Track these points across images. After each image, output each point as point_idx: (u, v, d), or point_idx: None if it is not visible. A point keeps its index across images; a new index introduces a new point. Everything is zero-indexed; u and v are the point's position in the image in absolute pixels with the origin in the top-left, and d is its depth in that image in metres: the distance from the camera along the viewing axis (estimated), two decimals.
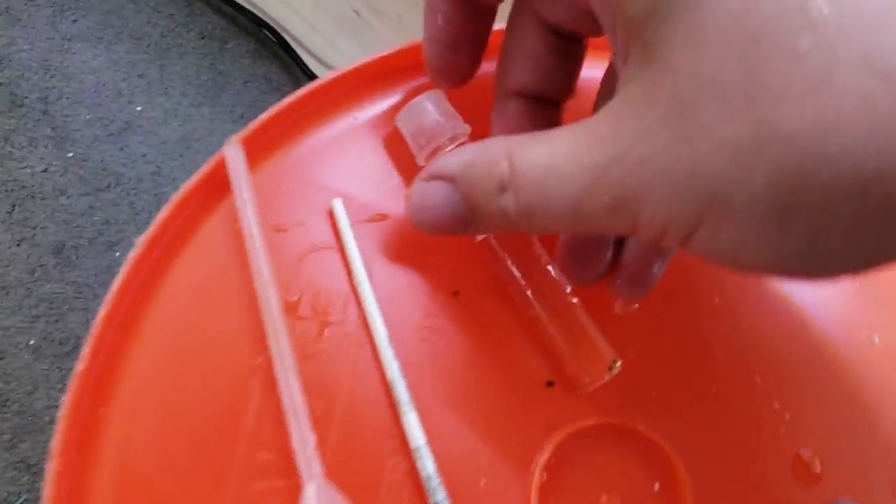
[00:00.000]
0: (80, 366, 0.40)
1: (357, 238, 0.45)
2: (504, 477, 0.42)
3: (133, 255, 0.43)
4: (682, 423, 0.43)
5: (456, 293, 0.45)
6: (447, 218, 0.34)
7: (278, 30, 1.41)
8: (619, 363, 0.41)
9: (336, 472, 0.41)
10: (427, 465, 0.41)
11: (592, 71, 0.42)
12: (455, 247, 0.45)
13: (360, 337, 0.43)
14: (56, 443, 0.39)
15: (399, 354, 0.43)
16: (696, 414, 0.44)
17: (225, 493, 0.41)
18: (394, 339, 0.43)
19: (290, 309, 0.43)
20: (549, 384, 0.44)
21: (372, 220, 0.46)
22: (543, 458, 0.42)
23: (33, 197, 1.29)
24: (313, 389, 0.42)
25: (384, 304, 0.44)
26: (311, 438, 0.40)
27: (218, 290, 0.44)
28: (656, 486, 0.42)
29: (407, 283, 0.45)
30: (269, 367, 0.42)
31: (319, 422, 0.42)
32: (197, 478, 0.41)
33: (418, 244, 0.45)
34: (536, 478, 0.41)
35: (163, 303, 0.43)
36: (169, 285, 0.44)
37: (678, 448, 0.42)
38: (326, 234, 0.45)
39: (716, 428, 0.43)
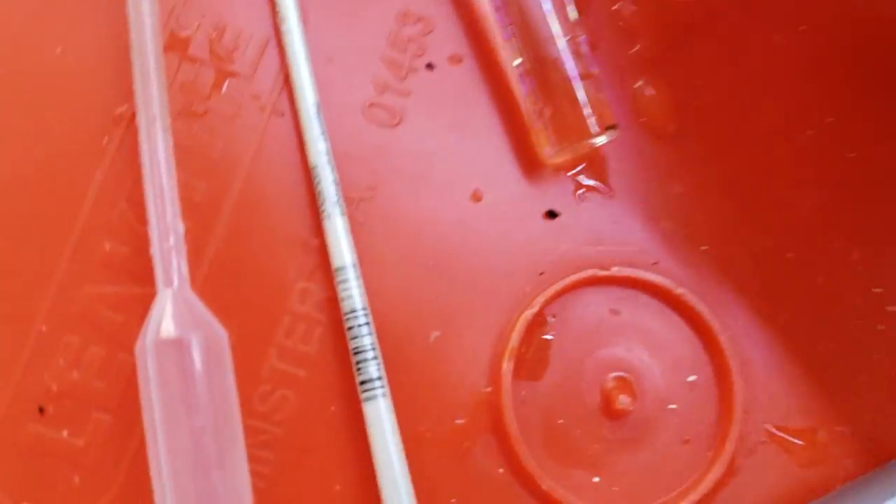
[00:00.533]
0: None
1: None
2: (468, 332, 0.29)
3: None
4: (735, 296, 0.30)
5: (430, 65, 0.31)
6: None
7: None
8: (614, 130, 0.29)
9: (213, 291, 0.27)
10: (353, 296, 0.27)
11: None
12: None
13: (276, 101, 0.29)
14: None
15: (331, 135, 0.29)
16: (757, 288, 0.31)
17: (46, 292, 0.27)
18: (326, 111, 0.29)
19: (177, 45, 0.29)
20: (551, 214, 0.30)
21: None
22: (529, 312, 0.29)
23: None
24: (194, 164, 0.28)
25: (319, 62, 0.30)
26: (177, 228, 0.26)
27: (71, 4, 0.29)
28: (691, 377, 0.30)
29: (356, 34, 0.30)
30: (133, 121, 0.27)
31: (196, 211, 0.28)
32: (19, 265, 0.27)
33: None
34: (514, 339, 0.28)
35: None
36: None
37: (728, 329, 0.29)
38: None
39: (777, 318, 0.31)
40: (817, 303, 0.31)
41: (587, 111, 0.28)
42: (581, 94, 0.28)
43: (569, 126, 0.29)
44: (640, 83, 0.32)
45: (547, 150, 0.29)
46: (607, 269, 0.30)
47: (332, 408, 0.27)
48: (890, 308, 0.31)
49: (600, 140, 0.29)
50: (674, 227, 0.31)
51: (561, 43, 0.29)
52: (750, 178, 0.31)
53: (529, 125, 0.30)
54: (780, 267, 0.31)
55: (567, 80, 0.28)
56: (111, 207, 0.27)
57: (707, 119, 0.31)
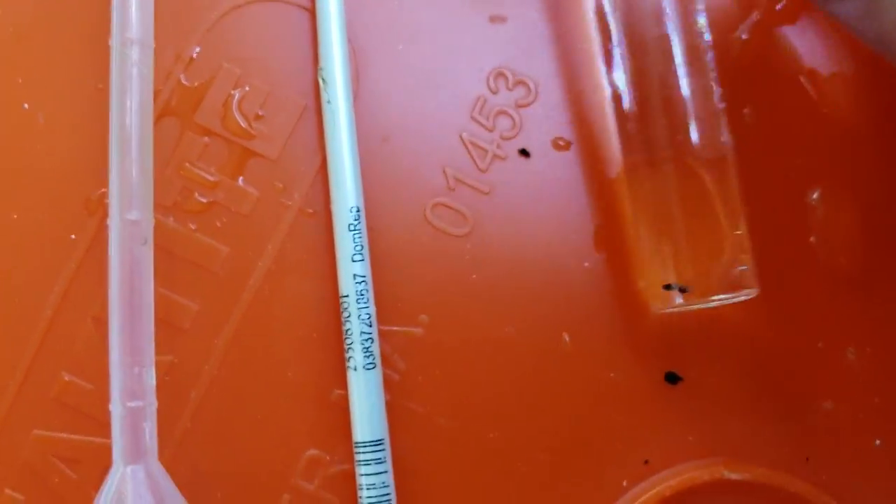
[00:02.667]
0: None
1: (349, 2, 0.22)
2: None
3: None
4: None
5: (524, 152, 0.22)
6: None
7: None
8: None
9: (193, 456, 0.21)
10: (380, 483, 0.20)
11: None
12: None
13: (307, 195, 0.21)
14: None
15: (377, 247, 0.21)
16: None
17: None
18: (372, 213, 0.21)
19: (181, 106, 0.21)
20: (672, 378, 0.22)
21: None
22: None
23: None
24: (186, 277, 0.21)
25: (371, 140, 0.22)
26: (148, 380, 0.19)
27: (42, 44, 0.21)
28: None
29: (427, 101, 0.22)
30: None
31: (182, 342, 0.21)
32: None
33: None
34: None
35: None
36: None
37: None
38: None
39: None
40: None
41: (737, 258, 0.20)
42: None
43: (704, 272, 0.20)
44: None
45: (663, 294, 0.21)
46: (740, 467, 0.21)
47: None
48: None
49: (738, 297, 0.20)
50: (838, 407, 0.22)
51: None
52: None
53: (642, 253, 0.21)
54: None
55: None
56: (74, 326, 0.21)
57: None
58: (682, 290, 0.20)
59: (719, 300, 0.21)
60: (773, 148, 0.23)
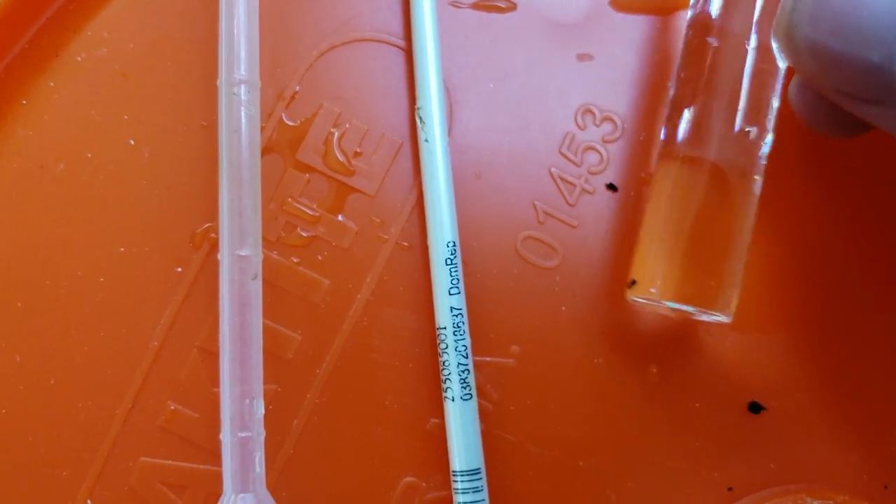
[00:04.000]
0: None
1: (443, 36, 0.22)
2: None
3: None
4: None
5: (611, 186, 0.23)
6: None
7: None
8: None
9: (297, 482, 0.21)
10: None
11: None
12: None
13: (404, 229, 0.22)
14: None
15: (472, 279, 0.22)
16: None
17: (94, 459, 0.21)
18: (468, 246, 0.22)
19: (284, 143, 0.22)
20: (755, 407, 0.22)
21: (479, 6, 0.23)
22: None
23: None
24: (288, 309, 0.22)
25: (464, 176, 0.22)
26: (257, 411, 0.20)
27: (147, 82, 0.22)
28: None
29: (516, 137, 0.23)
30: (216, 247, 0.21)
31: (286, 372, 0.22)
32: (68, 420, 0.21)
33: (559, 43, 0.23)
34: None
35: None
36: (61, 67, 0.22)
37: None
38: (391, 13, 0.23)
39: None
40: None
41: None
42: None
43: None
44: None
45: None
46: (821, 493, 0.22)
47: None
48: None
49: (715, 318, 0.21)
50: None
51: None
52: None
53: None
54: None
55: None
56: (180, 357, 0.21)
57: None
58: (632, 283, 0.21)
59: (688, 311, 0.21)
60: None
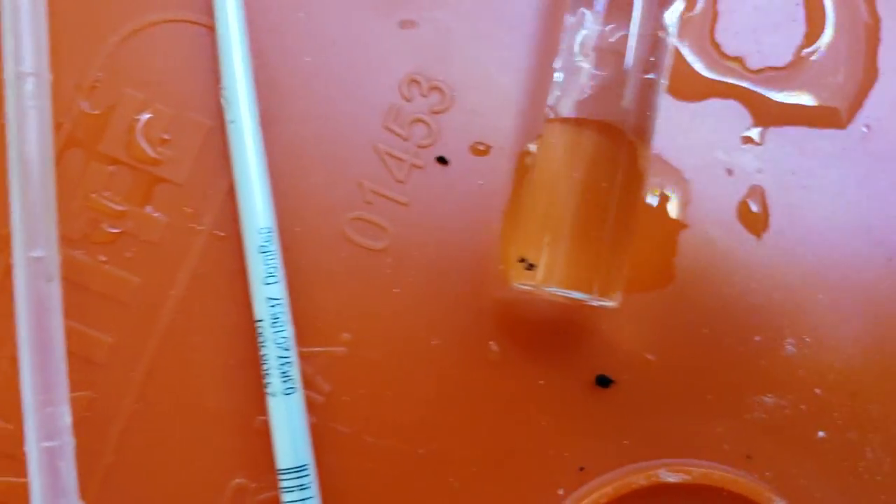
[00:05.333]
0: None
1: (251, 14, 0.21)
2: None
3: None
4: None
5: (441, 159, 0.22)
6: None
7: None
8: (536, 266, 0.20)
9: (119, 491, 0.20)
10: (307, 503, 0.20)
11: None
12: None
13: (217, 218, 0.21)
14: None
15: (293, 264, 0.21)
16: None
17: None
18: (287, 229, 0.21)
19: (85, 136, 0.21)
20: (603, 381, 0.21)
21: None
22: None
23: None
24: (97, 311, 0.21)
25: (280, 154, 0.21)
26: (62, 417, 0.19)
27: None
28: None
29: (339, 111, 0.22)
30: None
31: (98, 377, 0.21)
32: None
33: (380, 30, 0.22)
34: None
35: None
36: None
37: None
38: None
39: None
40: None
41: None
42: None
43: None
44: None
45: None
46: (678, 468, 0.21)
47: None
48: None
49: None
50: (778, 401, 0.22)
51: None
52: None
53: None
54: None
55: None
56: None
57: None
58: (530, 267, 0.20)
59: (572, 296, 0.20)
60: None
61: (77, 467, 0.19)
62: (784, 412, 0.22)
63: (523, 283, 0.20)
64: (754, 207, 0.22)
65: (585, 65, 0.20)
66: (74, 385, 0.19)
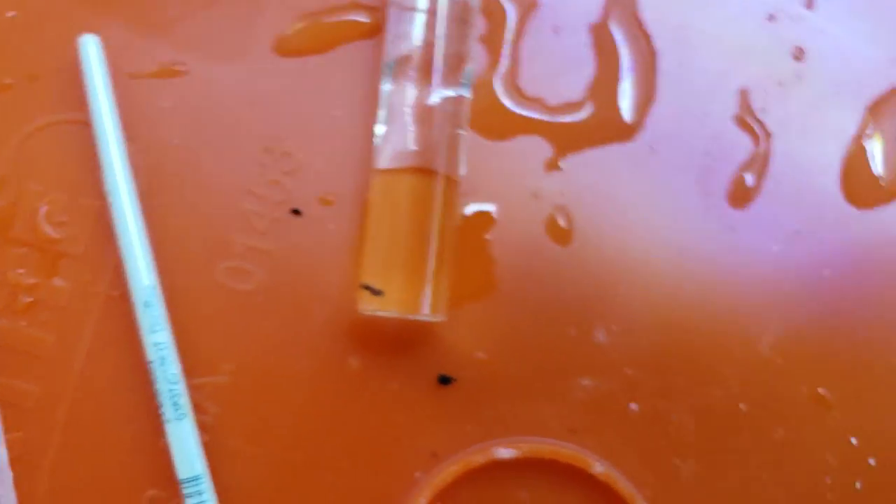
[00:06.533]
0: None
1: (125, 106, 0.26)
2: None
3: None
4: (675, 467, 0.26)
5: (296, 211, 0.26)
6: None
7: None
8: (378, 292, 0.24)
9: None
10: None
11: None
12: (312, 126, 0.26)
13: (112, 282, 0.25)
14: None
15: (178, 310, 0.25)
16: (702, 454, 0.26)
17: None
18: (169, 279, 0.25)
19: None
20: (444, 380, 0.26)
21: (157, 75, 0.27)
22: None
23: None
24: (22, 366, 0.25)
25: (161, 219, 0.26)
26: None
27: None
28: None
29: (204, 190, 0.26)
30: None
31: (29, 420, 0.25)
32: None
33: (232, 116, 0.26)
34: None
35: None
36: None
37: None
38: (72, 97, 0.26)
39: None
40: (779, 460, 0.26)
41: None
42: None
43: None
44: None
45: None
46: (511, 445, 0.25)
47: None
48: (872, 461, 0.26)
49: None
50: (594, 382, 0.26)
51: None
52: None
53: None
54: (729, 421, 0.26)
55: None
56: None
57: None
58: (372, 291, 0.24)
59: (407, 316, 0.25)
60: None
61: (17, 495, 0.24)
62: (600, 390, 0.26)
63: (369, 308, 0.25)
64: (560, 222, 0.26)
65: (399, 123, 0.25)
66: (8, 428, 0.24)
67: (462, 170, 0.25)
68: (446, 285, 0.25)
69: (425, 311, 0.24)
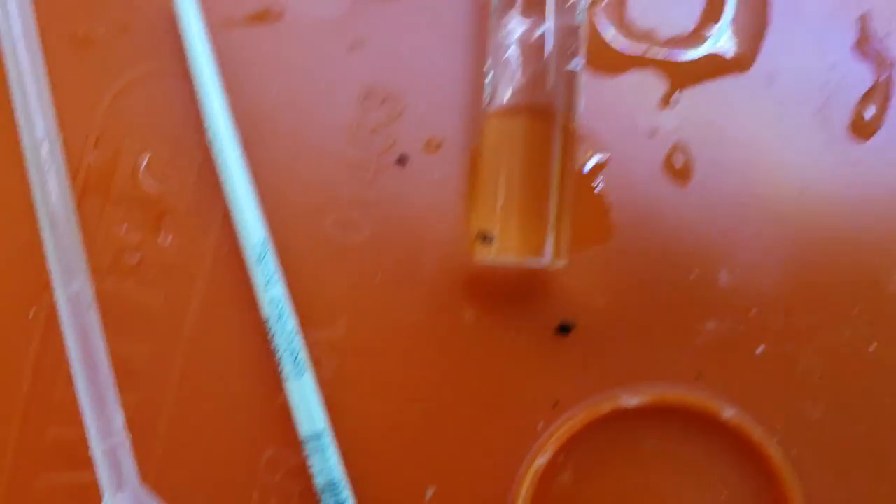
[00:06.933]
0: None
1: (221, 55, 0.24)
2: (470, 484, 0.25)
3: None
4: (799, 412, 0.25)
5: (402, 159, 0.25)
6: None
7: None
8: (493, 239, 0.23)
9: (169, 474, 0.24)
10: (327, 469, 0.23)
11: None
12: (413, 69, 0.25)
13: (219, 239, 0.25)
14: None
15: (291, 266, 0.24)
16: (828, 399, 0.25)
17: None
18: (280, 236, 0.24)
19: (97, 185, 0.25)
20: (564, 329, 0.25)
21: (251, 21, 0.25)
22: (543, 459, 0.24)
23: None
24: (130, 327, 0.24)
25: (266, 176, 0.25)
26: (116, 421, 0.23)
27: None
28: None
29: (307, 133, 0.25)
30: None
31: (140, 382, 0.24)
32: None
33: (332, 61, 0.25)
34: (525, 491, 0.24)
35: None
36: None
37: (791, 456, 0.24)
38: (165, 48, 0.25)
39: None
40: None
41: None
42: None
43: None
44: None
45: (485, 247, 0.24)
46: (637, 391, 0.24)
47: None
48: None
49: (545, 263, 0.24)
50: (719, 325, 0.25)
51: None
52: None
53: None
54: (858, 361, 0.25)
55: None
56: (51, 388, 0.24)
57: None
58: (487, 239, 0.23)
59: (527, 262, 0.24)
60: None
61: (135, 458, 0.23)
62: (726, 334, 0.25)
63: (485, 256, 0.24)
64: (678, 161, 0.25)
65: (512, 60, 0.24)
66: (122, 390, 0.24)
67: (580, 107, 0.24)
68: (568, 228, 0.24)
69: (548, 257, 0.23)
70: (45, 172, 0.23)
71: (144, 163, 0.25)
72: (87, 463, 0.24)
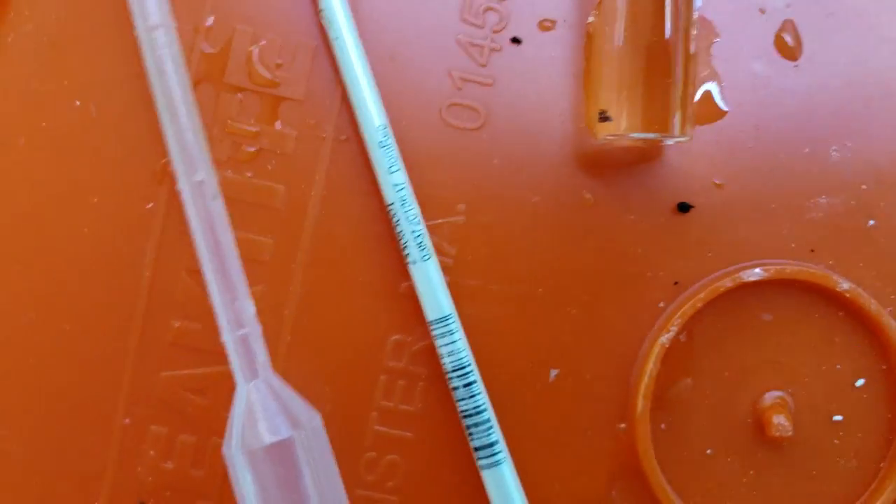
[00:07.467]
0: None
1: None
2: (593, 364, 0.25)
3: None
4: None
5: (515, 40, 0.25)
6: None
7: None
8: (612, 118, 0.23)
9: (298, 361, 0.24)
10: (456, 350, 0.24)
11: None
12: None
13: (337, 124, 0.24)
14: None
15: (409, 152, 0.24)
16: None
17: (121, 383, 0.24)
18: (397, 125, 0.24)
19: (210, 72, 0.24)
20: (683, 207, 0.25)
21: None
22: (666, 337, 0.24)
23: None
24: (253, 217, 0.24)
25: (380, 62, 0.24)
26: (247, 310, 0.23)
27: (77, 45, 0.24)
28: (859, 381, 0.25)
29: (420, 15, 0.25)
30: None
31: (265, 273, 0.24)
32: (86, 357, 0.24)
33: None
34: (649, 369, 0.24)
35: None
36: None
37: None
38: None
39: None
40: None
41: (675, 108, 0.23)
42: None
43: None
44: None
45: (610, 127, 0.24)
46: (755, 267, 0.24)
47: (447, 469, 0.25)
48: None
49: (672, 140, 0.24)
50: (831, 200, 0.25)
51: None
52: None
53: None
54: None
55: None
56: (172, 281, 0.24)
57: None
58: (609, 119, 0.23)
59: (651, 137, 0.24)
60: None
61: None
62: (837, 209, 0.25)
63: (606, 134, 0.23)
64: (788, 38, 0.25)
65: None
66: (249, 282, 0.23)
67: None
68: (692, 102, 0.23)
69: (670, 131, 0.23)
70: (162, 58, 0.23)
71: (257, 51, 0.24)
72: (211, 356, 0.24)
